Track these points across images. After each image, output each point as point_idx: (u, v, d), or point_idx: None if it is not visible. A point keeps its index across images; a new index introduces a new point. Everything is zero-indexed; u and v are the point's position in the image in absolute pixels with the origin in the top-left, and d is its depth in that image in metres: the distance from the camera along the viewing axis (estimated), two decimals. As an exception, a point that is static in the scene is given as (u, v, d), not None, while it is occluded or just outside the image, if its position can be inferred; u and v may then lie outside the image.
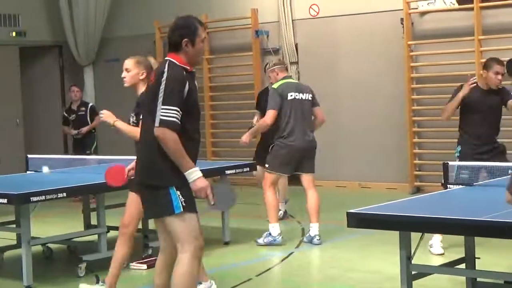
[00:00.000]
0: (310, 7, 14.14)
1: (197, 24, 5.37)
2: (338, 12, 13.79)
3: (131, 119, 6.73)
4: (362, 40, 13.58)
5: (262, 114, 9.86)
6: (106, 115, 6.80)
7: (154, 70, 5.31)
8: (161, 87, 5.11)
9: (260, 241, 9.17)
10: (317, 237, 9.05)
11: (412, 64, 13.00)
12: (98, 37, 16.65)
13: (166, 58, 5.31)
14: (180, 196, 5.16)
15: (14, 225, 8.46)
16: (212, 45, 15.22)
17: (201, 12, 15.08)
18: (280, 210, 10.73)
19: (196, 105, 5.30)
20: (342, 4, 13.77)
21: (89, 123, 13.40)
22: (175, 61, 5.26)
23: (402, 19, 12.87)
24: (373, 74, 13.49)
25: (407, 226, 5.18)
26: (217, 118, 15.32)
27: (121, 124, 6.70)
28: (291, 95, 9.14)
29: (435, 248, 8.20)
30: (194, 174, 5.14)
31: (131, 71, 6.73)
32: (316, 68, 14.12)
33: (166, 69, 5.17)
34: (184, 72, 5.23)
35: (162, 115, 5.06)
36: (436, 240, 8.23)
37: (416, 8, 12.97)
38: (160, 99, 5.08)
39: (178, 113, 5.09)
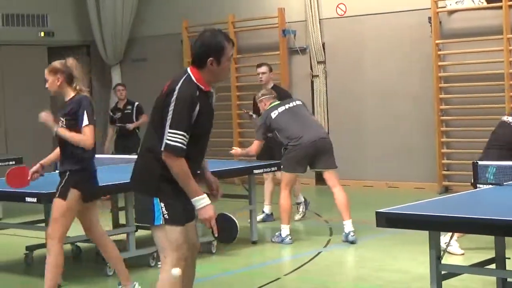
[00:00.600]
0: (337, 6, 14.11)
1: (225, 41, 5.07)
2: (365, 11, 13.76)
3: (60, 123, 6.66)
4: (389, 39, 13.53)
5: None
6: (45, 117, 6.65)
7: (169, 81, 5.10)
8: (170, 108, 4.94)
9: (273, 239, 9.31)
10: (352, 233, 9.03)
11: (440, 63, 12.93)
12: (126, 37, 16.72)
13: (186, 70, 5.11)
14: (163, 209, 5.04)
15: (43, 224, 8.51)
16: (239, 44, 15.22)
17: (228, 12, 15.15)
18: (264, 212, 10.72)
19: (204, 126, 5.11)
20: (370, 3, 13.73)
21: (134, 122, 13.46)
22: (193, 77, 5.05)
23: (430, 18, 12.80)
24: (400, 73, 13.44)
25: (437, 226, 5.14)
26: (244, 117, 15.31)
27: (63, 131, 6.59)
28: (274, 113, 9.33)
29: (454, 248, 8.15)
30: (201, 202, 5.00)
31: (48, 80, 6.72)
32: (344, 67, 14.11)
33: (178, 88, 4.97)
34: (198, 92, 5.03)
35: (168, 139, 4.91)
36: (454, 240, 8.20)
37: (444, 7, 12.90)
38: (168, 122, 4.92)
39: (185, 138, 4.93)
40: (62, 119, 6.65)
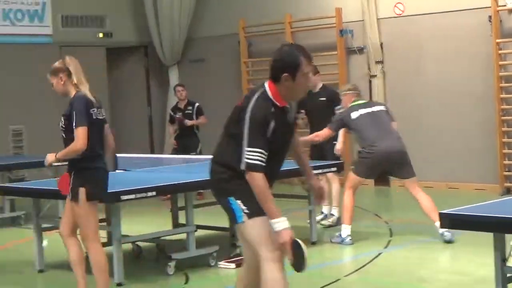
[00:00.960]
0: (395, 5, 14.01)
1: (302, 57, 5.01)
2: (423, 10, 13.62)
3: (60, 123, 6.68)
4: (449, 39, 13.38)
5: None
6: (49, 159, 6.69)
7: (247, 93, 5.10)
8: (245, 126, 4.95)
9: (332, 240, 9.27)
10: (446, 232, 8.88)
11: (501, 63, 12.73)
12: (183, 37, 16.80)
13: (263, 84, 5.10)
14: (242, 205, 5.06)
15: (104, 223, 8.60)
16: (296, 44, 15.18)
17: (285, 12, 15.14)
18: (333, 215, 10.57)
19: (278, 142, 5.06)
20: (428, 2, 13.59)
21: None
22: (269, 92, 5.03)
23: (490, 17, 12.64)
24: (460, 73, 13.28)
25: (502, 227, 5.06)
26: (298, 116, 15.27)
27: (60, 154, 6.60)
28: (355, 114, 9.24)
29: None
30: (279, 225, 4.94)
31: (53, 83, 6.75)
32: (402, 67, 14.00)
33: (252, 106, 4.97)
34: (273, 108, 5.00)
35: (247, 158, 4.93)
36: None
37: (505, 5, 12.72)
38: (245, 141, 4.94)
39: (263, 155, 4.93)
40: (62, 118, 6.68)
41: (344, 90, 9.76)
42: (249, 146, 4.93)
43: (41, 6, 15.82)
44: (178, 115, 13.59)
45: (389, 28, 14.11)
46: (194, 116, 13.48)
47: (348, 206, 9.18)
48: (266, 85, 5.07)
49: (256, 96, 5.02)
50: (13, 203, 11.74)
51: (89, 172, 6.62)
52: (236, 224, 5.17)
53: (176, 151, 13.41)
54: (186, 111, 13.56)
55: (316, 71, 10.80)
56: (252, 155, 4.92)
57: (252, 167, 4.93)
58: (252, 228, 5.05)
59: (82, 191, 6.57)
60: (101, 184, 6.76)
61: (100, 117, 6.72)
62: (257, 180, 4.93)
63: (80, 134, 6.48)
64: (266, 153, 4.94)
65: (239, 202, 5.07)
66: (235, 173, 5.04)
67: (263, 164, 4.94)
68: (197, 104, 13.62)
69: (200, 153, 13.12)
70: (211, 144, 15.24)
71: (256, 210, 5.03)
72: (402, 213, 11.45)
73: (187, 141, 13.44)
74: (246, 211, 5.05)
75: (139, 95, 17.58)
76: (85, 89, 6.68)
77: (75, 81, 6.66)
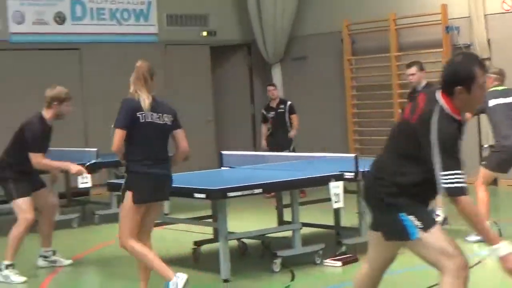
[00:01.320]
0: (503, 1, 13.71)
1: (477, 69, 4.68)
2: (533, 6, 13.31)
3: None
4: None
5: None
6: None
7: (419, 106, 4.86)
8: (435, 150, 4.62)
9: (469, 238, 8.98)
10: None
11: None
12: (286, 35, 16.81)
13: (435, 96, 4.77)
14: (415, 221, 4.76)
15: (210, 220, 8.68)
16: (401, 42, 15.05)
17: (389, 9, 14.99)
18: (438, 215, 10.28)
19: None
20: (537, -3, 13.28)
21: (287, 120, 13.62)
22: (446, 107, 4.71)
23: None
24: None
25: None
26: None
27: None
28: (493, 102, 9.02)
29: None
30: (503, 249, 4.62)
31: None
32: (510, 64, 13.62)
33: (438, 125, 4.64)
34: (457, 126, 4.70)
35: (447, 183, 4.59)
36: None
37: None
38: (439, 165, 4.60)
39: (461, 176, 4.59)
40: None
41: (490, 70, 9.54)
42: (445, 170, 4.59)
43: (146, 6, 16.09)
44: (271, 114, 13.70)
45: (496, 25, 13.81)
46: (287, 114, 13.58)
47: (484, 201, 8.98)
48: (441, 100, 4.75)
49: (437, 115, 4.69)
50: (120, 199, 11.93)
51: (135, 176, 6.70)
52: (406, 240, 4.84)
53: (269, 151, 13.48)
54: (279, 110, 13.68)
55: (421, 68, 10.64)
56: (451, 178, 4.59)
57: (457, 191, 4.60)
58: (429, 242, 4.75)
59: (128, 193, 6.69)
60: (147, 189, 6.73)
61: (159, 122, 6.72)
62: (467, 205, 4.62)
63: (115, 135, 6.61)
64: (464, 174, 4.63)
65: (411, 217, 4.77)
66: (401, 190, 4.81)
67: (465, 185, 4.62)
68: (289, 103, 13.73)
69: (293, 151, 13.16)
70: (303, 142, 15.26)
71: (429, 222, 4.79)
72: (511, 213, 11.20)
73: (280, 140, 13.51)
74: (421, 226, 4.75)
75: (243, 93, 17.69)
76: (142, 94, 6.69)
77: (132, 88, 6.75)
